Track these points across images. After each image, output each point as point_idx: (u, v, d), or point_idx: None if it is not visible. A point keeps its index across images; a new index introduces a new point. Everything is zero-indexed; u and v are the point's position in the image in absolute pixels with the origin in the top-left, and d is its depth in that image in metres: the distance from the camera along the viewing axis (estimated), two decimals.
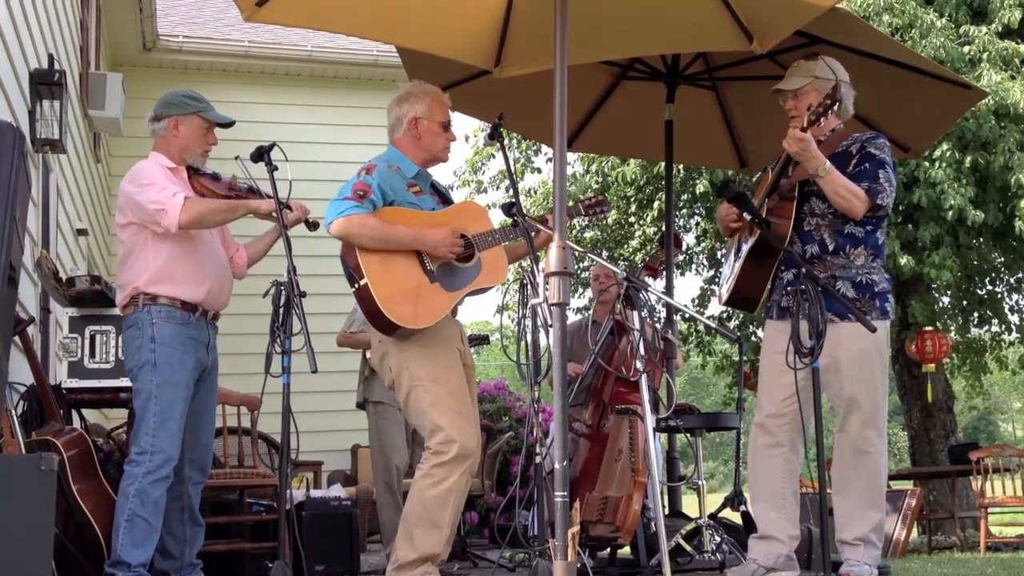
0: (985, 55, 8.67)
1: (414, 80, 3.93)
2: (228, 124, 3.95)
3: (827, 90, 3.84)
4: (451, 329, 3.74)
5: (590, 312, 6.13)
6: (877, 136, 3.92)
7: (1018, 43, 8.82)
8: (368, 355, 3.82)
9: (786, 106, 3.96)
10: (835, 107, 3.69)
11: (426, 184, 3.84)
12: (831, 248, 3.83)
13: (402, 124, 3.79)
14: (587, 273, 10.68)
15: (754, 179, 4.70)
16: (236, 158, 3.88)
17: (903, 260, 8.89)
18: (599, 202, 4.30)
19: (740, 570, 3.91)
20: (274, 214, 3.82)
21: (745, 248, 3.99)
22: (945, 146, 8.47)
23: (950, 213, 8.59)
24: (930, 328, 10.37)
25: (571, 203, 4.25)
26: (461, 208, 3.93)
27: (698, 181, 10.57)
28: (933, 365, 10.55)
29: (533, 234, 3.69)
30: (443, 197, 3.91)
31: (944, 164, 8.50)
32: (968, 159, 8.67)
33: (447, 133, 3.84)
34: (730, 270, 4.14)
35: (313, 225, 4.03)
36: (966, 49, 8.78)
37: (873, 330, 3.56)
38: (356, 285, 3.55)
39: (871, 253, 3.84)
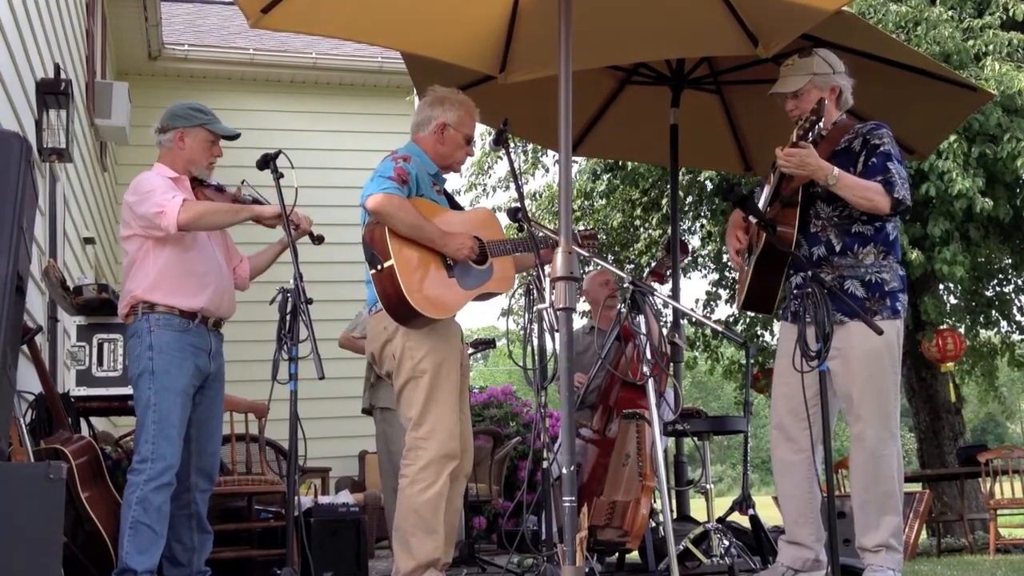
0: (991, 47, 8.64)
1: (452, 88, 3.97)
2: (234, 137, 3.96)
3: (829, 84, 3.80)
4: (455, 326, 3.79)
5: (588, 319, 6.11)
6: (878, 126, 3.77)
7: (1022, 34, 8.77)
8: (367, 347, 3.82)
9: (786, 108, 3.84)
10: (821, 122, 3.58)
11: (442, 185, 3.90)
12: (838, 249, 3.75)
13: (429, 125, 3.83)
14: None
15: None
16: (243, 182, 3.92)
17: (913, 255, 8.83)
18: (591, 235, 4.39)
19: (769, 573, 3.91)
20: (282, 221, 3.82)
21: (755, 254, 3.97)
22: (952, 137, 8.42)
23: (958, 203, 8.53)
24: (946, 326, 10.25)
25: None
26: (477, 214, 3.98)
27: (705, 178, 10.54)
28: (953, 364, 10.39)
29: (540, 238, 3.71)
30: (451, 202, 3.95)
31: (951, 155, 8.46)
32: (976, 151, 8.61)
33: (467, 147, 3.91)
34: (744, 273, 4.12)
35: (318, 239, 4.03)
36: (971, 44, 8.74)
37: (879, 332, 3.50)
38: (379, 267, 3.55)
39: (882, 250, 3.74)
